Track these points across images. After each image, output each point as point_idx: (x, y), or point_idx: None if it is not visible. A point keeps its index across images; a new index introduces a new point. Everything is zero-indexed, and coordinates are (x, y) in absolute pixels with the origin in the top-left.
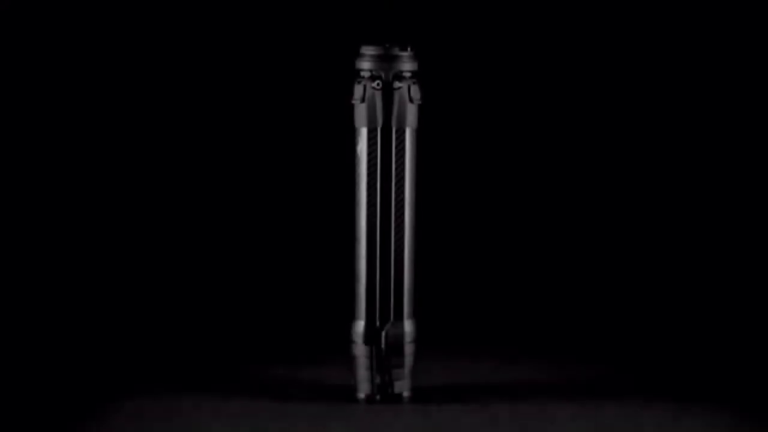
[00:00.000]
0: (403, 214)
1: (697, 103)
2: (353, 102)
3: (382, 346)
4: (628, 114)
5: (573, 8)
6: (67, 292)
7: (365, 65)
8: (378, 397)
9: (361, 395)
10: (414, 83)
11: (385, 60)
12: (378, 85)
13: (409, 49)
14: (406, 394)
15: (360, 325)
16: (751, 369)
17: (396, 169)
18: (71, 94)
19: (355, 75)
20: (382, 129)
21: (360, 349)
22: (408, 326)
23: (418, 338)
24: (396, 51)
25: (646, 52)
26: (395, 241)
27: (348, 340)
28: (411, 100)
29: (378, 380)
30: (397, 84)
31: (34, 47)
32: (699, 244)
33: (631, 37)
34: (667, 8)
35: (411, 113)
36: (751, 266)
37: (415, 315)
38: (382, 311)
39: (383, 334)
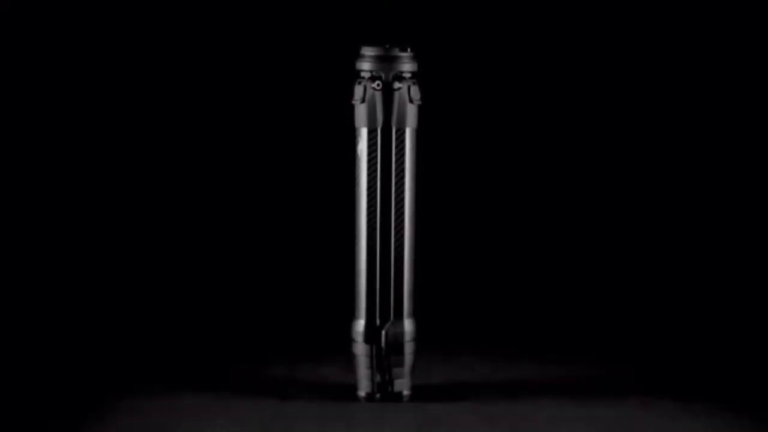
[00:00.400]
0: (403, 213)
1: (697, 103)
2: (353, 102)
3: (382, 345)
4: (628, 114)
5: (573, 8)
6: (67, 292)
7: (365, 66)
8: (378, 395)
9: (362, 393)
10: (414, 84)
11: (385, 61)
12: (378, 85)
13: (408, 50)
14: (405, 392)
15: (360, 324)
16: (750, 368)
17: (396, 169)
18: (71, 94)
19: (355, 76)
20: (382, 129)
21: (360, 348)
22: (408, 325)
23: (418, 337)
24: (396, 52)
25: (646, 52)
26: (395, 241)
27: (348, 338)
28: (411, 101)
29: (378, 379)
30: (397, 84)
31: (34, 47)
32: (699, 244)
33: (631, 37)
34: (667, 8)
35: (411, 113)
36: (750, 266)
37: (415, 314)
38: (382, 310)
39: (383, 333)
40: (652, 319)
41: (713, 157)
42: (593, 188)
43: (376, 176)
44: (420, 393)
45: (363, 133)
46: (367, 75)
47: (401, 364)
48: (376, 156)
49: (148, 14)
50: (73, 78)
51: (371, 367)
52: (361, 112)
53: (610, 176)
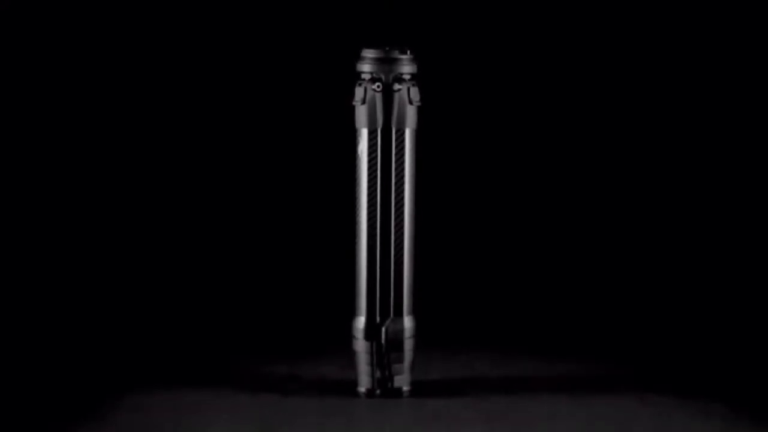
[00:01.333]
0: (402, 212)
1: (697, 103)
2: (354, 104)
3: (382, 341)
4: (628, 114)
5: (572, 9)
6: (68, 291)
7: (366, 68)
8: (378, 391)
9: (362, 389)
10: (413, 85)
11: (386, 63)
12: (378, 87)
13: (408, 52)
14: (405, 388)
15: (361, 322)
16: (749, 365)
17: (396, 168)
18: (71, 94)
19: (356, 77)
20: (383, 130)
21: (360, 345)
22: (407, 322)
23: (418, 334)
24: (396, 54)
25: (646, 52)
26: (395, 240)
27: (349, 335)
28: (410, 102)
29: (378, 375)
30: (396, 86)
31: (34, 47)
32: (699, 243)
33: (631, 37)
34: (667, 8)
35: (410, 114)
36: (750, 265)
37: (415, 312)
38: (382, 308)
39: (383, 330)
40: (651, 317)
41: (713, 157)
42: (593, 188)
43: (376, 176)
44: (419, 389)
45: (363, 134)
46: (367, 77)
47: (401, 360)
48: (377, 156)
49: (149, 15)
50: (73, 78)
51: (371, 364)
52: (361, 113)
53: (610, 176)
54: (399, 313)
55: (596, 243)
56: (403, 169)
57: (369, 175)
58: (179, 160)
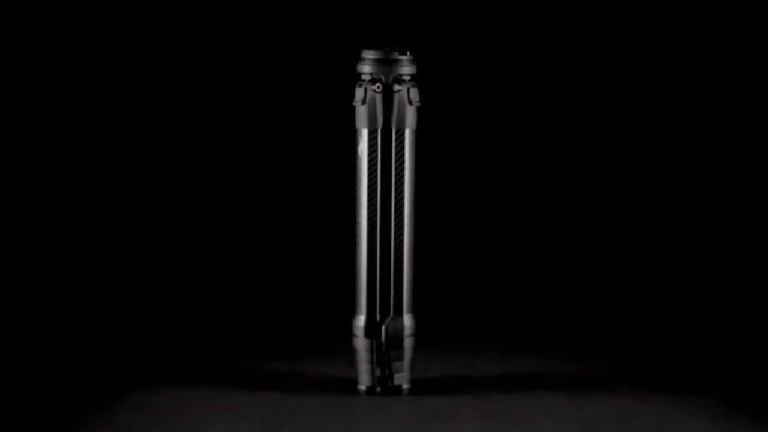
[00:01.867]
0: (402, 212)
1: (697, 103)
2: (354, 104)
3: (382, 339)
4: (628, 114)
5: (571, 10)
6: (69, 289)
7: (366, 69)
8: (378, 389)
9: (362, 387)
10: (413, 86)
11: (386, 64)
12: (378, 87)
13: (408, 53)
14: (405, 386)
15: (361, 320)
16: (746, 363)
17: (396, 168)
18: (71, 94)
19: (356, 78)
20: (383, 130)
21: (361, 343)
22: (407, 320)
23: (417, 332)
24: (396, 55)
25: (646, 52)
26: (395, 239)
27: (349, 334)
28: (410, 102)
29: (378, 373)
30: (396, 87)
31: (34, 47)
32: (693, 242)
33: (631, 37)
34: (667, 8)
35: (410, 115)
36: (749, 264)
37: (415, 310)
38: (382, 306)
39: (383, 328)
40: (651, 317)
41: (713, 157)
42: (593, 188)
43: (376, 175)
44: (419, 387)
45: (363, 134)
46: (367, 77)
47: (401, 358)
48: (377, 156)
49: (149, 15)
50: (73, 78)
51: (371, 362)
52: (361, 113)
53: (609, 176)
54: (399, 312)
55: (596, 243)
56: (403, 169)
57: (369, 175)
58: (180, 160)
